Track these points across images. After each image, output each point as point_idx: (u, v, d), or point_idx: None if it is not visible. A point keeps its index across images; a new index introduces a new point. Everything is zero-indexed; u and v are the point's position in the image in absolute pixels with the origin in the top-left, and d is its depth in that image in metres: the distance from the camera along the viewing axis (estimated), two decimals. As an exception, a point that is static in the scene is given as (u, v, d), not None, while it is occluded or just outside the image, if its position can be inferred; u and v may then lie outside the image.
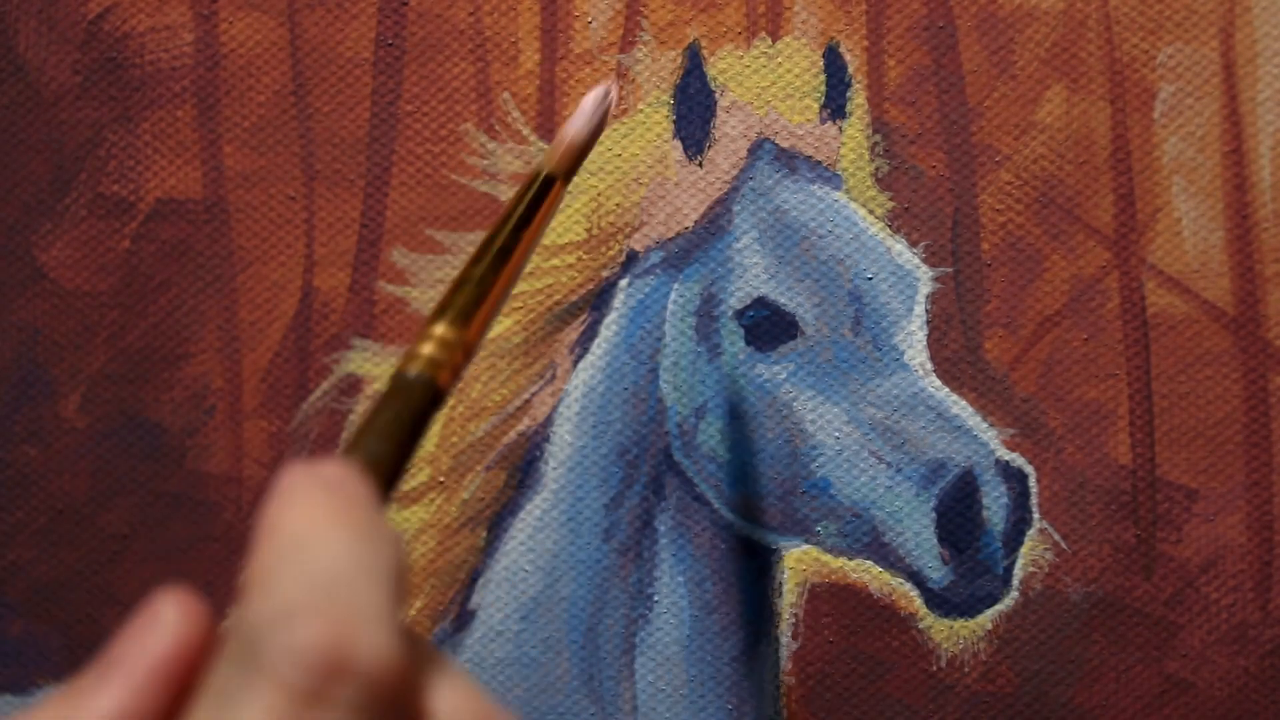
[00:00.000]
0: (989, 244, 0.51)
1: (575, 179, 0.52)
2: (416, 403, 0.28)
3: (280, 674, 0.19)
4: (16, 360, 0.53)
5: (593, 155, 0.52)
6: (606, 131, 0.52)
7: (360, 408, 0.52)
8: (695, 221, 0.52)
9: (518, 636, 0.51)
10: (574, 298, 0.52)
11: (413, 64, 0.52)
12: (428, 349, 0.30)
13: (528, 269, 0.52)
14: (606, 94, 0.42)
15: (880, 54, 0.51)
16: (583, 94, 0.52)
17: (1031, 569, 0.50)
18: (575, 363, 0.52)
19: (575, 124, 0.41)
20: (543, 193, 0.37)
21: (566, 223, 0.52)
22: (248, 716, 0.19)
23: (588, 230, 0.52)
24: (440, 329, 0.30)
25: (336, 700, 0.19)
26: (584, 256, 0.52)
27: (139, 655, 0.21)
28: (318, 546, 0.21)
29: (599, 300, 0.52)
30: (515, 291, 0.52)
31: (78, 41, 0.53)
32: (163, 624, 0.21)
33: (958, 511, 0.50)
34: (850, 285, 0.51)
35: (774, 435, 0.51)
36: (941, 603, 0.50)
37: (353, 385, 0.52)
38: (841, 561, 0.51)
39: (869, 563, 0.51)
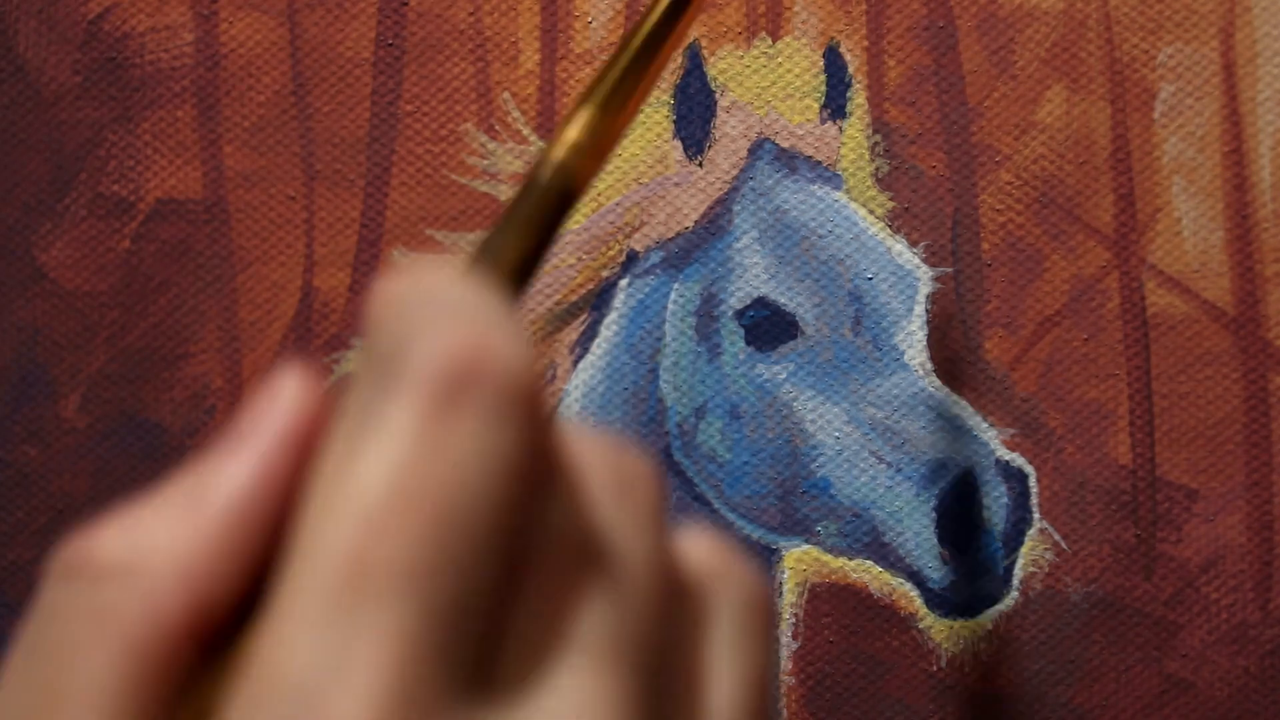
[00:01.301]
0: (989, 244, 0.51)
1: (575, 179, 0.52)
2: (548, 203, 0.28)
3: (419, 377, 0.19)
4: (16, 360, 0.53)
5: (593, 155, 0.52)
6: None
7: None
8: (695, 221, 0.52)
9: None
10: (574, 298, 0.52)
11: (413, 64, 0.52)
12: (573, 134, 0.29)
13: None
14: None
15: (880, 54, 0.51)
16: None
17: (1031, 569, 0.50)
18: (575, 363, 0.52)
19: None
20: None
21: (567, 223, 0.52)
22: (389, 426, 0.19)
23: (588, 230, 0.52)
24: (584, 114, 0.29)
25: (476, 401, 0.19)
26: (584, 256, 0.52)
27: (266, 425, 0.21)
28: (443, 290, 0.21)
29: (599, 300, 0.52)
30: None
31: (78, 41, 0.53)
32: (285, 396, 0.21)
33: (958, 511, 0.50)
34: (850, 285, 0.51)
35: (774, 435, 0.51)
36: (941, 603, 0.50)
37: (353, 385, 0.52)
38: (841, 561, 0.51)
39: (869, 563, 0.51)
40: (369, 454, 0.19)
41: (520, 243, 0.26)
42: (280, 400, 0.21)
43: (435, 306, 0.20)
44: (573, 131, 0.29)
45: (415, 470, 0.19)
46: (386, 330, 0.20)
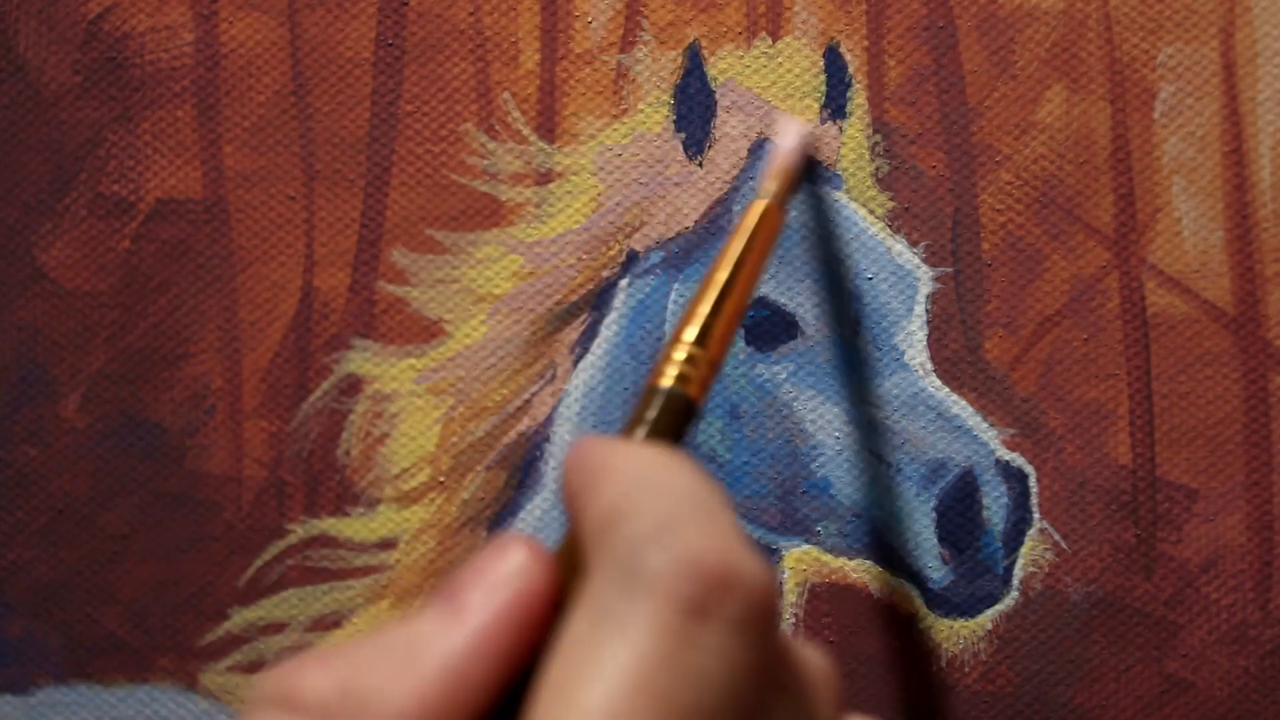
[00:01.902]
0: (989, 244, 0.51)
1: (576, 179, 0.52)
2: (670, 414, 0.29)
3: (666, 586, 0.19)
4: (16, 360, 0.53)
5: (592, 155, 0.52)
6: (607, 130, 0.52)
7: (360, 408, 0.52)
8: (695, 221, 0.52)
9: (518, 636, 0.51)
10: (574, 298, 0.52)
11: (413, 64, 0.52)
12: (677, 361, 0.31)
13: (528, 269, 0.52)
14: (808, 127, 0.46)
15: (880, 54, 0.51)
16: (583, 94, 0.52)
17: (1031, 569, 0.50)
18: (575, 363, 0.52)
19: (785, 149, 0.45)
20: (762, 221, 0.41)
21: (567, 223, 0.52)
22: (633, 632, 0.19)
23: (588, 230, 0.52)
24: (683, 351, 0.31)
25: (723, 614, 0.19)
26: (584, 256, 0.52)
27: (489, 594, 0.20)
28: (668, 478, 0.21)
29: (599, 300, 0.52)
30: (514, 291, 0.52)
31: (78, 41, 0.53)
32: (511, 566, 0.21)
33: (958, 511, 0.50)
34: (850, 285, 0.51)
35: (774, 435, 0.51)
36: (941, 603, 0.50)
37: (353, 385, 0.52)
38: (841, 561, 0.51)
39: (869, 563, 0.51)
40: (613, 655, 0.19)
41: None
42: (506, 569, 0.21)
43: (669, 500, 0.20)
44: (675, 362, 0.31)
45: (660, 676, 0.19)
46: (629, 521, 0.20)
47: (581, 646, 0.19)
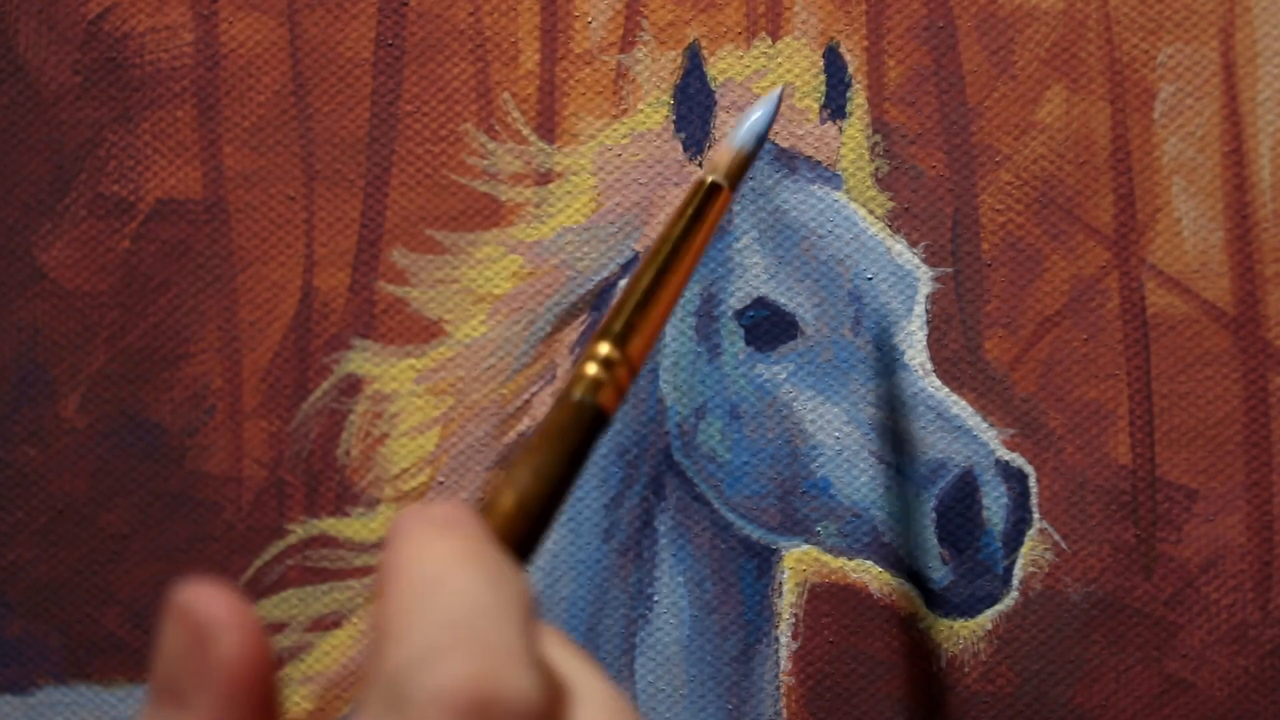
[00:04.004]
0: (989, 244, 0.51)
1: (576, 178, 0.52)
2: (580, 425, 0.28)
3: (428, 716, 0.19)
4: (16, 360, 0.53)
5: (592, 155, 0.52)
6: (607, 130, 0.52)
7: (360, 408, 0.52)
8: (695, 221, 0.51)
9: (518, 636, 0.51)
10: (574, 298, 0.52)
11: (413, 64, 0.52)
12: (591, 369, 0.30)
13: (528, 269, 0.52)
14: (779, 96, 0.41)
15: (880, 54, 0.51)
16: (583, 94, 0.52)
17: (1031, 569, 0.50)
18: (575, 363, 0.52)
19: (743, 129, 0.40)
20: (706, 201, 0.37)
21: (566, 222, 0.52)
22: None
23: (588, 230, 0.52)
24: (603, 348, 0.30)
25: None
26: (583, 256, 0.52)
27: (208, 675, 0.20)
28: (450, 587, 0.21)
29: (599, 300, 0.52)
30: (514, 291, 0.52)
31: (78, 41, 0.53)
32: (223, 636, 0.20)
33: (958, 511, 0.50)
34: (850, 285, 0.51)
35: (774, 435, 0.51)
36: (941, 603, 0.50)
37: (353, 385, 0.52)
38: (841, 561, 0.51)
39: (869, 563, 0.51)
40: None
41: (538, 485, 0.27)
42: (218, 648, 0.20)
43: (443, 616, 0.20)
44: (590, 368, 0.30)
45: None
46: (397, 644, 0.20)
47: None
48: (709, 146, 0.52)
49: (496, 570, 0.22)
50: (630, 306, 0.32)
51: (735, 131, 0.41)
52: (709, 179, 0.38)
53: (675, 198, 0.52)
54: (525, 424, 0.52)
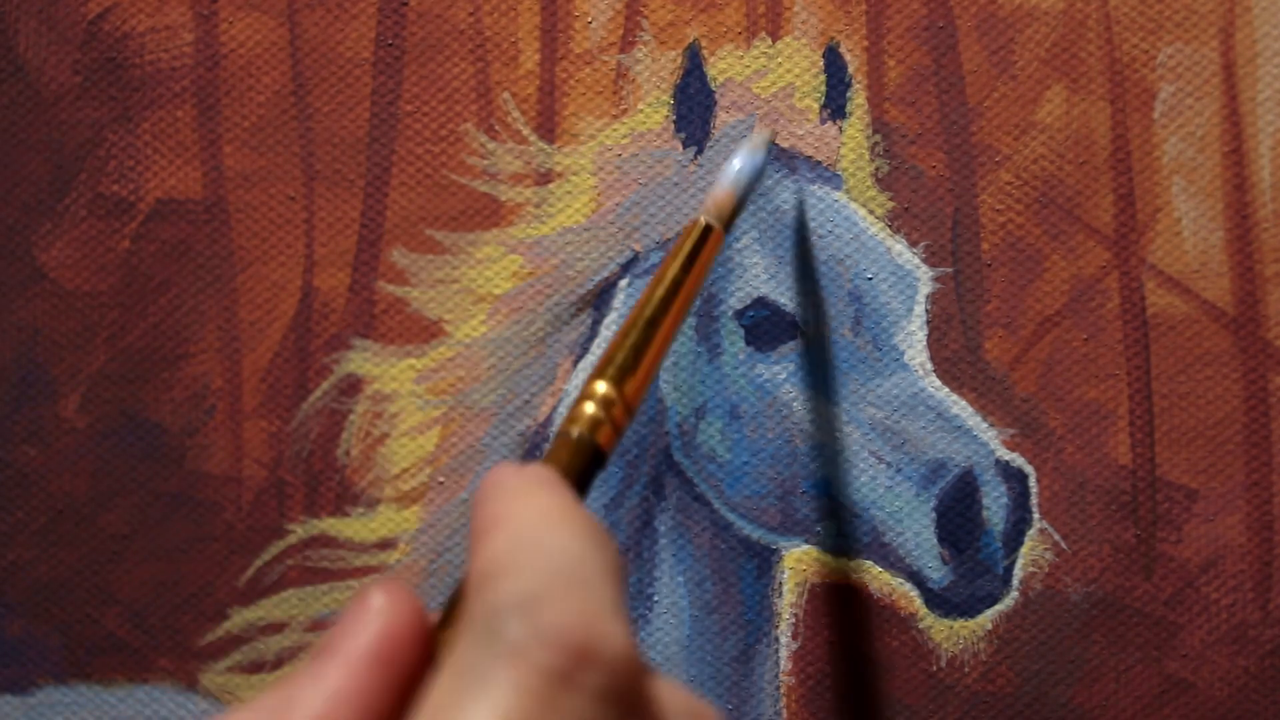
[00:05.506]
0: (989, 244, 0.51)
1: (576, 178, 0.52)
2: (578, 461, 0.29)
3: (530, 655, 0.20)
4: (16, 360, 0.53)
5: (592, 155, 0.52)
6: (607, 130, 0.52)
7: (360, 408, 0.52)
8: (695, 221, 0.51)
9: (518, 636, 0.51)
10: (574, 298, 0.52)
11: (413, 64, 0.52)
12: (589, 408, 0.31)
13: (528, 269, 0.52)
14: (767, 139, 0.44)
15: (880, 54, 0.51)
16: (583, 94, 0.52)
17: (1031, 569, 0.50)
18: (575, 363, 0.52)
19: (733, 171, 0.42)
20: (700, 243, 0.39)
21: (566, 222, 0.52)
22: (495, 695, 0.20)
23: (587, 230, 0.52)
24: (601, 387, 0.31)
25: (584, 685, 0.20)
26: (583, 256, 0.52)
27: (353, 641, 0.21)
28: (555, 539, 0.22)
29: (599, 300, 0.52)
30: (514, 291, 0.52)
31: (78, 41, 0.53)
32: (374, 611, 0.21)
33: (958, 511, 0.50)
34: (850, 285, 0.51)
35: (774, 435, 0.51)
36: (941, 603, 0.50)
37: (353, 385, 0.52)
38: (841, 561, 0.51)
39: (869, 563, 0.51)
40: (476, 711, 0.19)
41: None
42: (368, 618, 0.21)
43: (546, 564, 0.21)
44: (588, 406, 0.31)
45: None
46: (501, 584, 0.21)
47: (446, 700, 0.20)
48: (708, 146, 0.52)
49: (596, 531, 0.23)
50: (627, 347, 0.33)
51: (727, 172, 0.43)
52: (704, 221, 0.40)
53: (675, 197, 0.52)
54: (525, 424, 0.52)
